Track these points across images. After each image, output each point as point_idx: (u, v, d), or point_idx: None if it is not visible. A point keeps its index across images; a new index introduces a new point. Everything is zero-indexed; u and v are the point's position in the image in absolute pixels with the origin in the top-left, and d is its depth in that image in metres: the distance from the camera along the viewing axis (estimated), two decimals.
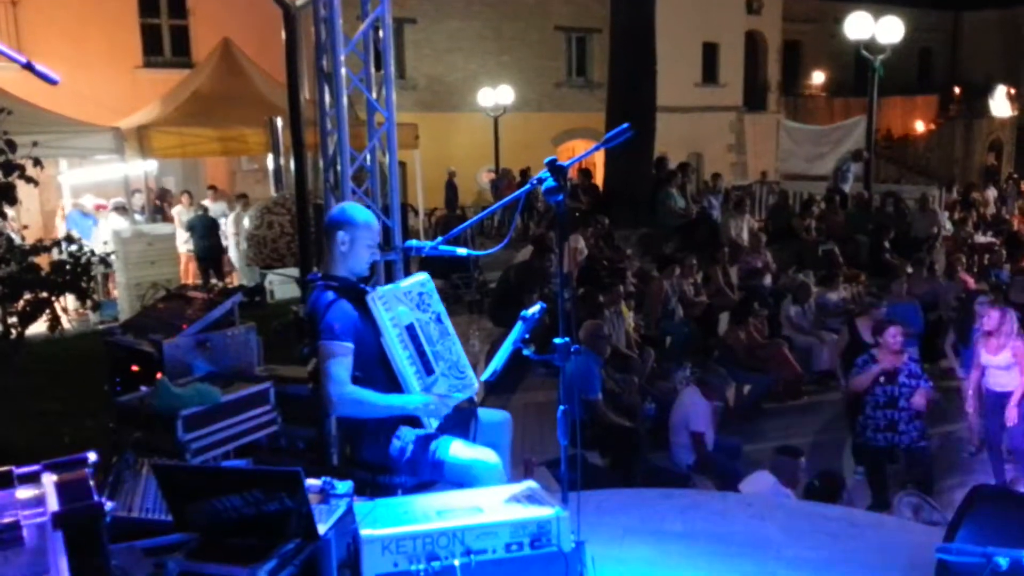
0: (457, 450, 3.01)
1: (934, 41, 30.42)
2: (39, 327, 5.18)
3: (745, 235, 11.78)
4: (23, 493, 1.41)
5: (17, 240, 6.34)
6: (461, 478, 2.94)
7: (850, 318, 8.22)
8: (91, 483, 1.44)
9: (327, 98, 5.36)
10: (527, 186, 2.98)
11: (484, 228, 13.86)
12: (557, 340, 2.78)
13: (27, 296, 4.93)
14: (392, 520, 2.47)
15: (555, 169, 2.77)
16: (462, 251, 3.42)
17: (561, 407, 2.78)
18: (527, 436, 5.65)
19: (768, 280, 10.13)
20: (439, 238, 3.39)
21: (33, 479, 1.43)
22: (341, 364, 2.89)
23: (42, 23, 13.69)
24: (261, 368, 4.51)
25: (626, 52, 14.02)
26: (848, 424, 6.73)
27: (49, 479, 1.43)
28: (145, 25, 15.39)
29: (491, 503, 2.58)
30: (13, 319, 4.86)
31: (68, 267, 5.09)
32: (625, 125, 2.83)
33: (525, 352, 3.10)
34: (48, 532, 1.29)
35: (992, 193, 16.90)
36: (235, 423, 3.81)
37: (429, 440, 3.04)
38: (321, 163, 5.67)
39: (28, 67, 2.50)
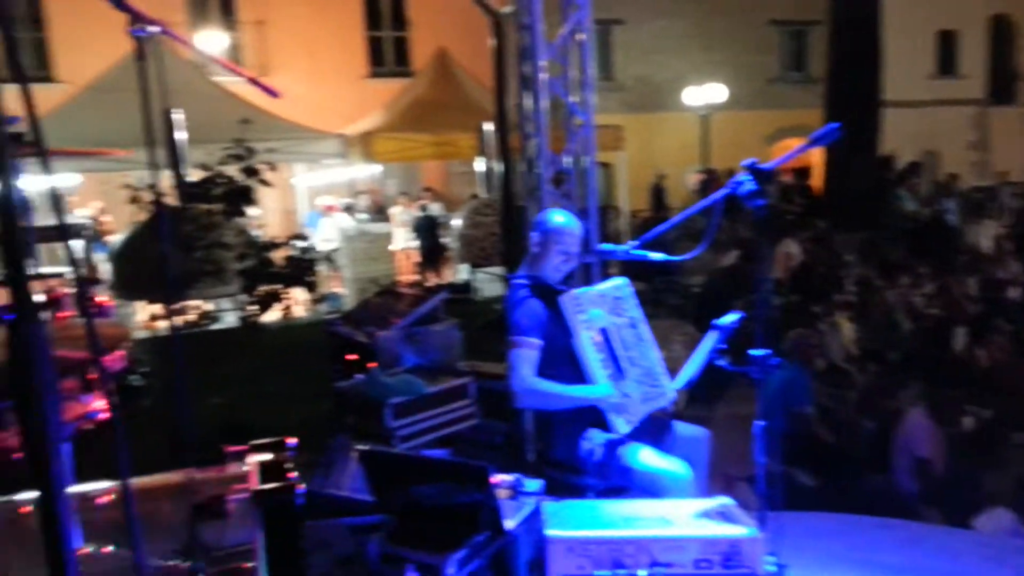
0: (646, 458, 2.94)
1: None
2: (274, 315, 5.72)
3: (987, 242, 10.57)
4: (231, 470, 1.54)
5: (257, 237, 7.05)
6: (649, 487, 2.87)
7: None
8: (289, 465, 1.54)
9: (528, 103, 5.45)
10: (725, 190, 2.85)
11: (690, 232, 13.49)
12: (754, 352, 2.63)
13: (263, 287, 5.45)
14: (579, 522, 2.44)
15: (755, 172, 2.62)
16: (656, 255, 3.33)
17: (759, 423, 2.63)
18: (730, 449, 5.41)
19: (1015, 293, 9.01)
20: (634, 242, 3.33)
21: (240, 457, 1.56)
22: (525, 358, 2.93)
23: (284, 40, 15.12)
24: (463, 363, 4.68)
25: (847, 44, 13.06)
26: None
27: (254, 459, 1.55)
28: (371, 38, 16.53)
29: (681, 516, 2.49)
30: (252, 307, 5.38)
31: (297, 262, 5.57)
32: (834, 125, 2.63)
33: (719, 363, 2.97)
34: (249, 507, 1.40)
35: None
36: (437, 414, 3.98)
37: (618, 445, 2.99)
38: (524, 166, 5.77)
39: (252, 82, 2.74)
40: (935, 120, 19.64)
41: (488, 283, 10.10)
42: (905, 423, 5.88)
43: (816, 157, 14.60)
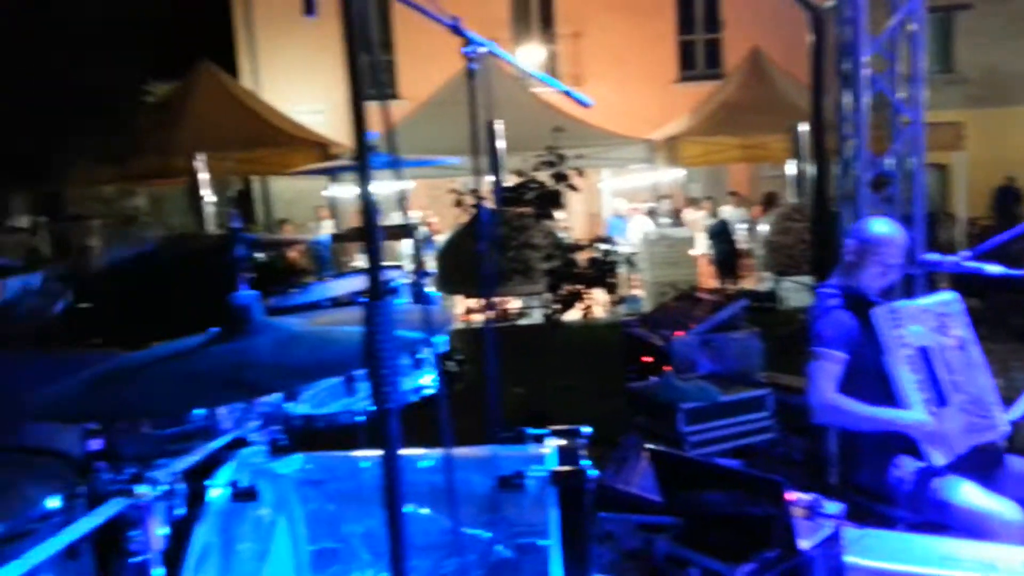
0: (969, 494, 2.63)
1: None
2: (575, 314, 5.99)
3: None
4: (531, 450, 1.68)
5: (563, 238, 7.42)
6: (970, 527, 2.56)
7: None
8: (583, 452, 1.65)
9: (847, 101, 5.12)
10: None
11: None
12: None
13: (567, 287, 5.74)
14: (885, 554, 2.27)
15: None
16: (993, 268, 2.97)
17: None
18: None
19: None
20: (967, 252, 3.00)
21: (539, 440, 1.69)
22: (825, 371, 2.77)
23: (597, 50, 15.66)
24: (762, 374, 4.53)
25: None
26: None
27: (552, 442, 1.67)
28: (682, 42, 16.51)
29: (1010, 564, 2.20)
30: (556, 305, 5.70)
31: (599, 264, 5.79)
32: None
33: None
34: (546, 486, 1.53)
35: None
36: (732, 424, 3.91)
37: (934, 476, 2.71)
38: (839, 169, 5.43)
39: (566, 93, 2.91)
40: None
41: (794, 292, 9.63)
42: None
43: None
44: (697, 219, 12.62)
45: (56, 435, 1.42)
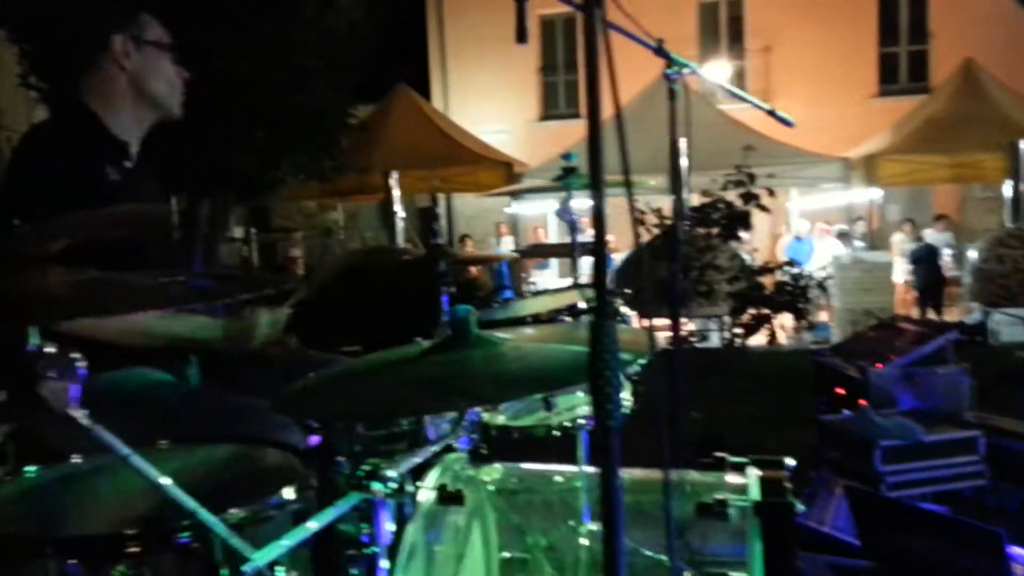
0: None
1: None
2: (759, 339, 5.77)
3: None
4: (732, 479, 1.63)
5: (748, 261, 7.18)
6: None
7: None
8: (787, 484, 1.58)
9: None
10: None
11: None
12: None
13: (751, 311, 5.54)
14: None
15: None
16: None
17: None
18: None
19: None
20: None
21: (740, 469, 1.64)
22: None
23: (788, 64, 15.06)
24: (972, 414, 4.15)
25: None
26: None
27: (753, 472, 1.62)
28: (883, 54, 15.54)
29: None
30: (738, 330, 5.52)
31: (788, 288, 5.54)
32: None
33: None
34: (748, 516, 1.48)
35: None
36: (935, 466, 3.61)
37: None
38: None
39: (770, 113, 2.84)
40: None
41: (1009, 326, 8.74)
42: None
43: None
44: (895, 243, 11.78)
45: (286, 430, 1.56)
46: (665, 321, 3.30)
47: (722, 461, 1.66)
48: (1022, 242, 8.17)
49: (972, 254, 9.26)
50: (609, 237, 1.04)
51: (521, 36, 1.89)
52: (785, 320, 7.01)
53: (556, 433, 1.75)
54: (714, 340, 7.22)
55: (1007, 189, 9.58)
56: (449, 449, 1.53)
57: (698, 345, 7.47)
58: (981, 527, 2.19)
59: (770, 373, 5.67)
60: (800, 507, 1.51)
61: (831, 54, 14.87)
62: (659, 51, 2.55)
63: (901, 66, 15.61)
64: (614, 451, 0.88)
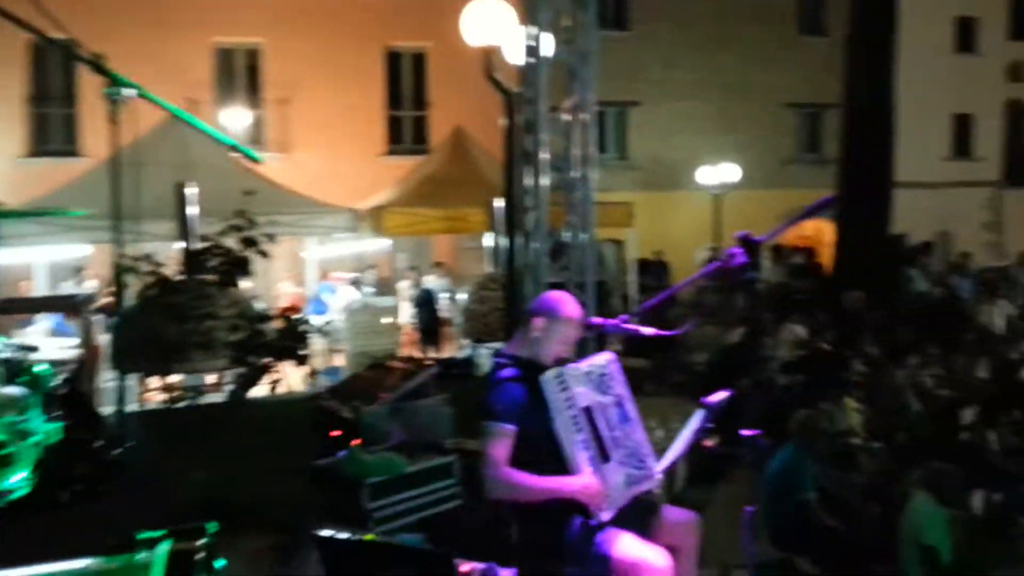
0: (625, 545, 2.81)
1: None
2: (265, 389, 5.67)
3: (1000, 322, 10.38)
4: (137, 559, 1.45)
5: (260, 308, 7.05)
6: None
7: None
8: (201, 555, 1.46)
9: (529, 176, 5.51)
10: (716, 263, 2.83)
11: (702, 308, 13.40)
12: (745, 432, 2.55)
13: (252, 360, 5.41)
14: None
15: (746, 243, 2.60)
16: (646, 330, 3.28)
17: (749, 509, 2.52)
18: (728, 534, 5.23)
19: None
20: (624, 316, 3.28)
21: (151, 544, 1.47)
22: (498, 446, 2.84)
23: (305, 118, 15.50)
24: (451, 440, 4.59)
25: (861, 126, 13.17)
26: None
27: (164, 548, 1.47)
28: (391, 117, 16.94)
29: None
30: (238, 381, 5.34)
31: (289, 335, 5.55)
32: (827, 197, 2.63)
33: (706, 443, 2.87)
34: None
35: None
36: (418, 495, 3.88)
37: (599, 530, 2.86)
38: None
39: (233, 147, 2.78)
40: (949, 201, 19.64)
41: (490, 358, 9.99)
42: (910, 508, 5.66)
43: (827, 236, 14.56)
44: (402, 289, 12.76)
45: None
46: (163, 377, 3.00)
47: (133, 541, 1.48)
48: (500, 285, 9.38)
49: (462, 296, 10.43)
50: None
51: None
52: (297, 367, 7.03)
53: None
54: (219, 395, 6.85)
55: (488, 240, 11.03)
56: None
57: (206, 400, 7.08)
58: (434, 552, 2.35)
59: (273, 423, 5.61)
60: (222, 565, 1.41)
61: (345, 112, 15.72)
62: (97, 67, 2.29)
63: (405, 128, 17.17)
64: None
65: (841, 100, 13.85)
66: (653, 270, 16.48)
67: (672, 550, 2.97)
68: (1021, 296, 12.46)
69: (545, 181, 5.25)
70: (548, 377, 2.94)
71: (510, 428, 2.86)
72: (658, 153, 19.14)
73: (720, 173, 17.92)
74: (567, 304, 3.13)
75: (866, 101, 13.04)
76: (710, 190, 18.02)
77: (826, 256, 14.85)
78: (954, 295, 11.83)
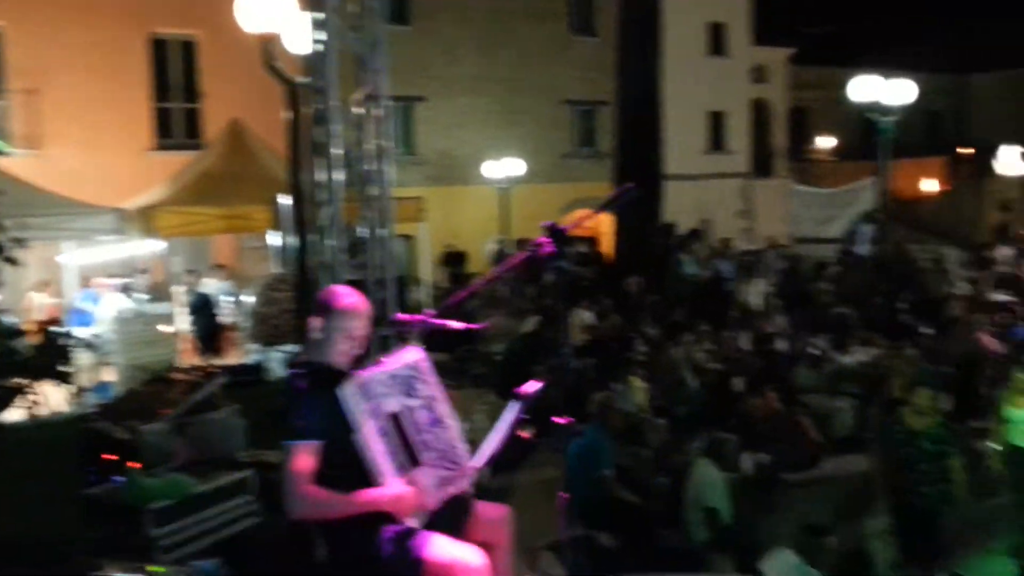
0: (439, 548, 2.74)
1: (942, 104, 30.59)
2: (19, 413, 4.99)
3: (757, 300, 11.52)
4: None
5: (12, 323, 6.23)
6: None
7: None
8: None
9: (321, 170, 5.29)
10: (524, 254, 2.82)
11: (491, 300, 13.68)
12: (557, 419, 2.57)
13: (4, 381, 4.77)
14: None
15: (554, 233, 2.62)
16: (455, 324, 3.22)
17: (563, 494, 2.55)
18: (533, 518, 5.35)
19: (783, 346, 9.83)
20: (431, 311, 3.20)
21: None
22: (298, 464, 2.65)
23: (58, 110, 13.96)
24: (245, 453, 4.30)
25: (632, 123, 14.09)
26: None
27: None
28: (158, 109, 15.67)
29: None
30: None
31: (47, 351, 4.95)
32: (629, 185, 2.71)
33: (522, 433, 2.86)
34: None
35: (1006, 251, 16.56)
36: (210, 516, 3.58)
37: (410, 536, 2.76)
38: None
39: None
40: (708, 191, 21.50)
41: (282, 363, 9.58)
42: (693, 475, 6.12)
43: (605, 226, 15.43)
44: (177, 294, 11.85)
45: None
46: None
47: None
48: (289, 285, 8.98)
49: (248, 299, 9.87)
50: None
51: None
52: (56, 385, 6.27)
53: None
54: None
55: (273, 238, 10.52)
56: None
57: None
58: None
59: (34, 450, 4.96)
60: None
61: (104, 104, 14.32)
62: None
63: (175, 122, 15.95)
64: None
65: (614, 98, 14.74)
66: (453, 262, 16.66)
67: (487, 547, 2.95)
68: (772, 275, 13.91)
69: (339, 175, 5.06)
70: (348, 391, 2.73)
71: (314, 444, 2.68)
72: (445, 148, 19.30)
73: (505, 167, 18.38)
74: (342, 296, 2.94)
75: (636, 99, 13.96)
76: (496, 184, 18.44)
77: (606, 245, 15.75)
78: (719, 277, 12.95)
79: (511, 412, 2.97)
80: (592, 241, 15.55)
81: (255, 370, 8.79)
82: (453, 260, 16.97)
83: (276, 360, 8.98)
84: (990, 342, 9.55)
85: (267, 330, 9.04)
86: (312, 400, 2.73)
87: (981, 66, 30.29)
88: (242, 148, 12.15)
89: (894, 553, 5.79)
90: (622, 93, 14.38)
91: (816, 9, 28.05)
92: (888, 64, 16.15)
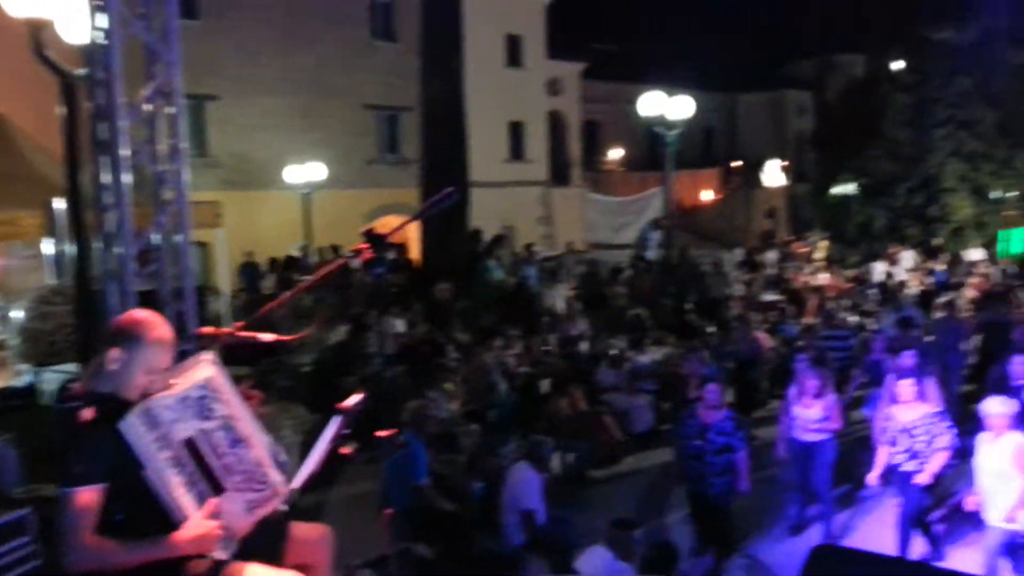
0: (255, 575, 2.57)
1: (715, 120, 33.49)
2: None
3: (561, 304, 11.97)
4: None
5: None
6: None
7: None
8: None
9: (106, 171, 4.83)
10: (340, 261, 2.71)
11: (299, 310, 13.20)
12: (380, 433, 2.48)
13: None
14: None
15: (372, 239, 2.52)
16: (266, 337, 3.02)
17: (387, 510, 2.46)
18: (351, 533, 5.20)
19: (584, 347, 10.29)
20: (240, 323, 2.99)
21: None
22: (78, 512, 2.33)
23: None
24: (20, 490, 3.82)
25: (438, 129, 14.17)
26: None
27: None
28: None
29: None
30: None
31: None
32: (450, 190, 2.67)
33: (345, 450, 2.74)
34: None
35: (773, 255, 18.45)
36: None
37: (220, 569, 2.55)
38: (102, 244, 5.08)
39: None
40: (511, 198, 22.11)
41: (58, 384, 8.68)
42: (510, 478, 6.23)
43: (412, 233, 15.38)
44: None
45: None
46: None
47: None
48: (65, 298, 8.18)
49: (17, 314, 8.88)
50: None
51: None
52: None
53: None
54: None
55: (47, 246, 9.54)
56: None
57: None
58: None
59: None
60: None
61: None
62: None
63: None
64: None
65: (418, 105, 14.75)
66: (248, 272, 15.90)
67: (305, 569, 2.81)
68: (573, 280, 14.53)
69: (127, 177, 4.63)
70: (132, 422, 2.42)
71: (95, 488, 2.35)
72: (242, 150, 18.39)
73: (307, 172, 17.83)
74: (153, 326, 2.58)
75: (441, 107, 14.06)
76: (298, 189, 17.84)
77: (413, 251, 15.71)
78: (524, 282, 13.33)
79: (332, 427, 2.85)
80: (401, 247, 15.45)
81: (27, 393, 7.88)
82: (251, 270, 16.20)
83: (52, 381, 8.11)
84: (764, 339, 10.57)
85: (41, 348, 8.14)
86: (94, 437, 2.39)
87: (746, 87, 33.59)
88: (8, 147, 10.89)
89: (693, 540, 6.22)
90: (427, 100, 14.43)
91: (604, 26, 29.76)
92: (669, 81, 17.39)
